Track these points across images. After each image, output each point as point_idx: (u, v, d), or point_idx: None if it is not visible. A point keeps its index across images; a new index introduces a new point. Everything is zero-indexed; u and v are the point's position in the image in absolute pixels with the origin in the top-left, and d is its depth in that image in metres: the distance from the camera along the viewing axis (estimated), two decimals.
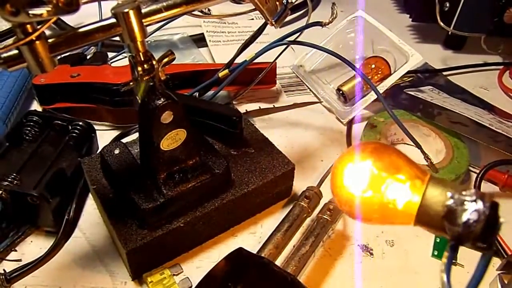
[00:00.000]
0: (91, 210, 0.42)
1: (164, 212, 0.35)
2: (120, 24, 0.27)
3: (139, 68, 0.30)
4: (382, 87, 0.53)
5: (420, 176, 0.23)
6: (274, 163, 0.42)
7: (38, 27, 0.24)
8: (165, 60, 0.31)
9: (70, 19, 0.62)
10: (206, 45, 0.65)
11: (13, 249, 0.39)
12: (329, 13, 0.43)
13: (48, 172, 0.39)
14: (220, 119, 0.43)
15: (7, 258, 0.38)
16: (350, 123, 0.54)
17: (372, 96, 0.52)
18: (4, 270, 0.36)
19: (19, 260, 0.38)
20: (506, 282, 0.35)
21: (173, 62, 0.32)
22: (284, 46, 0.50)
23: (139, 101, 0.33)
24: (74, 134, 0.44)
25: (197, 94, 0.51)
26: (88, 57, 0.59)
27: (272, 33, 0.50)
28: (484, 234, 0.20)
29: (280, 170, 0.41)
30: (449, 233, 0.21)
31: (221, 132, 0.43)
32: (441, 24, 0.64)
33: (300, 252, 0.36)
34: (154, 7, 0.29)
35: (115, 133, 0.50)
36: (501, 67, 0.67)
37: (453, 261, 0.39)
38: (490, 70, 0.67)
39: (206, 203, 0.38)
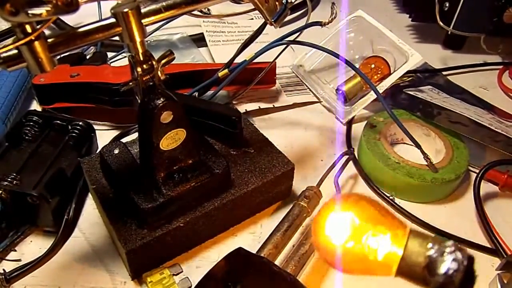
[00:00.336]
0: (90, 210, 0.42)
1: (163, 212, 0.35)
2: (120, 24, 0.27)
3: (139, 68, 0.30)
4: (382, 87, 0.53)
5: (401, 228, 0.23)
6: (273, 163, 0.42)
7: (38, 27, 0.24)
8: (165, 60, 0.31)
9: (69, 19, 0.62)
10: (206, 45, 0.65)
11: (12, 249, 0.39)
12: (329, 12, 0.43)
13: (47, 172, 0.39)
14: (220, 119, 0.43)
15: (7, 258, 0.38)
16: (349, 123, 0.54)
17: (372, 96, 0.52)
18: (3, 270, 0.36)
19: (19, 260, 0.38)
20: (505, 281, 0.35)
21: (173, 62, 0.32)
22: (284, 46, 0.50)
23: (139, 101, 0.33)
24: (74, 134, 0.44)
25: (196, 94, 0.51)
26: (87, 57, 0.59)
27: (272, 32, 0.50)
28: (463, 285, 0.21)
29: (280, 170, 0.41)
30: (431, 284, 0.21)
31: (220, 132, 0.43)
32: (441, 24, 0.64)
33: (300, 252, 0.36)
34: (153, 7, 0.29)
35: (114, 133, 0.50)
36: (500, 66, 0.67)
37: None
38: (489, 70, 0.67)
39: (206, 203, 0.38)
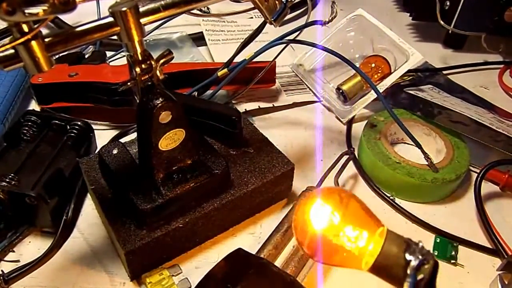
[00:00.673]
0: (89, 210, 0.42)
1: (162, 212, 0.35)
2: (118, 23, 0.27)
3: (137, 68, 0.30)
4: (382, 86, 0.52)
5: (380, 227, 0.25)
6: (273, 162, 0.41)
7: (35, 26, 0.23)
8: (164, 59, 0.31)
9: (68, 18, 0.62)
10: (205, 44, 0.65)
11: (11, 249, 0.38)
12: (329, 11, 0.43)
13: (46, 172, 0.39)
14: (219, 119, 0.43)
15: (5, 258, 0.38)
16: (350, 123, 0.54)
17: (372, 95, 0.52)
18: (2, 270, 0.36)
19: (17, 261, 0.37)
20: (506, 282, 0.35)
21: (172, 61, 0.32)
22: (284, 45, 0.49)
23: (138, 100, 0.33)
24: (72, 134, 0.44)
25: (196, 94, 0.51)
26: (86, 56, 0.59)
27: (272, 32, 0.49)
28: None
29: (280, 170, 0.41)
30: (407, 279, 0.23)
31: (220, 131, 0.43)
32: (442, 23, 0.64)
33: (300, 253, 0.36)
34: (152, 6, 0.29)
35: (113, 132, 0.50)
36: (501, 66, 0.67)
37: (453, 261, 0.39)
38: (490, 69, 0.66)
39: (205, 204, 0.37)
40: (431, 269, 0.23)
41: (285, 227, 0.37)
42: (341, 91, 0.55)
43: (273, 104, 0.56)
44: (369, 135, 0.47)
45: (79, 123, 0.45)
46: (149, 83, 0.31)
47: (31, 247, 0.39)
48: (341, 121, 0.55)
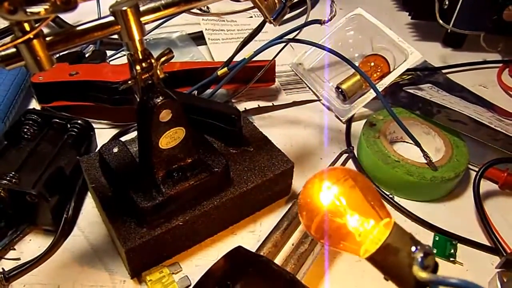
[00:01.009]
0: (90, 208, 0.42)
1: (163, 210, 0.35)
2: (119, 22, 0.27)
3: (138, 67, 0.30)
4: (381, 85, 0.52)
5: (388, 218, 0.25)
6: (273, 161, 0.42)
7: (36, 25, 0.24)
8: (164, 58, 0.31)
9: (68, 17, 0.62)
10: (205, 43, 0.65)
11: (11, 247, 0.38)
12: (328, 11, 0.43)
13: (46, 171, 0.39)
14: (219, 118, 0.43)
15: (6, 256, 0.38)
16: (349, 121, 0.54)
17: (371, 94, 0.52)
18: (2, 268, 0.36)
19: (18, 259, 0.38)
20: (505, 280, 0.35)
21: (172, 60, 0.32)
22: (283, 44, 0.50)
23: (138, 99, 0.33)
24: (73, 133, 0.44)
25: (195, 92, 0.51)
26: (86, 55, 0.59)
27: (271, 31, 0.49)
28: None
29: (279, 169, 0.41)
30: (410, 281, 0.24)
31: (220, 130, 0.43)
32: (441, 22, 0.64)
33: (299, 251, 0.36)
34: (152, 5, 0.29)
35: (113, 131, 0.50)
36: (500, 65, 0.67)
37: (452, 259, 0.39)
38: (489, 68, 0.67)
39: (205, 202, 0.38)
40: (435, 262, 0.24)
41: (285, 225, 0.37)
42: (340, 90, 0.55)
43: (272, 103, 0.56)
44: (368, 133, 0.48)
45: (79, 121, 0.45)
46: (149, 82, 0.32)
47: (31, 245, 0.39)
48: (340, 120, 0.55)
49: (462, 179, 0.46)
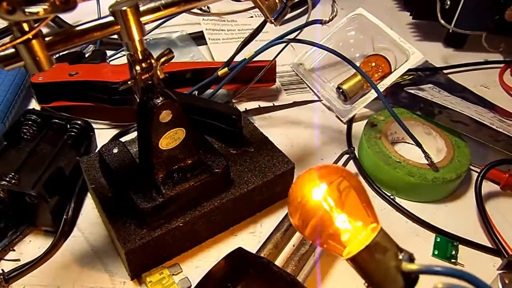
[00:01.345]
0: (89, 209, 0.42)
1: (163, 211, 0.35)
2: (118, 22, 0.27)
3: (137, 67, 0.30)
4: (383, 85, 0.52)
5: (375, 221, 0.25)
6: (273, 162, 0.41)
7: (35, 25, 0.23)
8: (164, 58, 0.31)
9: (68, 17, 0.62)
10: (205, 43, 0.65)
11: (11, 248, 0.38)
12: (329, 11, 0.43)
13: (46, 171, 0.39)
14: (220, 118, 0.43)
15: (6, 257, 0.38)
16: (350, 122, 0.54)
17: (373, 94, 0.52)
18: (2, 270, 0.36)
19: (18, 260, 0.37)
20: (507, 282, 0.35)
21: (172, 60, 0.32)
22: (284, 44, 0.49)
23: (138, 99, 0.33)
24: (73, 133, 0.44)
25: (196, 93, 0.51)
26: (86, 55, 0.59)
27: (272, 31, 0.49)
28: None
29: (280, 169, 0.41)
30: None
31: (220, 131, 0.43)
32: (442, 22, 0.64)
33: (300, 252, 0.36)
34: (152, 5, 0.29)
35: (113, 132, 0.50)
36: (502, 65, 0.67)
37: (453, 260, 0.39)
38: (491, 68, 0.66)
39: (206, 203, 0.37)
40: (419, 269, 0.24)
41: (286, 226, 0.37)
42: (341, 90, 0.55)
43: (273, 103, 0.56)
44: (369, 134, 0.47)
45: (79, 122, 0.45)
46: (149, 82, 0.31)
47: (31, 246, 0.39)
48: (341, 121, 0.55)
49: (464, 180, 0.46)
